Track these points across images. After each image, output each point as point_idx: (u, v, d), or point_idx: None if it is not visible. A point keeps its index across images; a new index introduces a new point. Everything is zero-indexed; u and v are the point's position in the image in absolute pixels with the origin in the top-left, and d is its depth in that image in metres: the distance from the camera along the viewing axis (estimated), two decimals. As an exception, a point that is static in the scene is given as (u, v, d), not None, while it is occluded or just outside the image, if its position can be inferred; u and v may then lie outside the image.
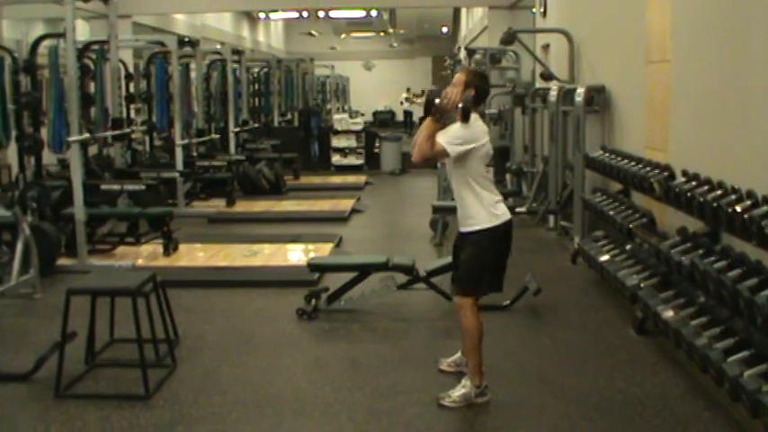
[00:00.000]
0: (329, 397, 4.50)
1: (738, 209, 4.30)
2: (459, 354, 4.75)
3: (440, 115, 4.20)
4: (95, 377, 4.77)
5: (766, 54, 4.50)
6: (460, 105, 4.18)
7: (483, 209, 4.29)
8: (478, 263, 4.33)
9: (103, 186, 8.53)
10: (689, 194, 4.99)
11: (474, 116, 4.26)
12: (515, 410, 4.34)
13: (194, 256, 8.30)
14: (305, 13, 23.36)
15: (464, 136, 4.21)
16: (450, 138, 4.20)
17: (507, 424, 4.21)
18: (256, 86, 18.08)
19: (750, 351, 3.89)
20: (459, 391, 4.34)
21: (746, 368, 3.75)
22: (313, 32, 31.47)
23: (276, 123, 17.49)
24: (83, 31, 12.92)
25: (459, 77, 4.33)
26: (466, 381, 4.36)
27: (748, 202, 4.30)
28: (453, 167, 4.33)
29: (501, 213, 4.34)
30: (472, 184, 4.29)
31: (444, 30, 31.24)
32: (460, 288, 4.41)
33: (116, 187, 8.60)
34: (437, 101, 4.19)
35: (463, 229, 4.40)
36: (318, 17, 24.42)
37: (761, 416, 3.55)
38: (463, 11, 25.17)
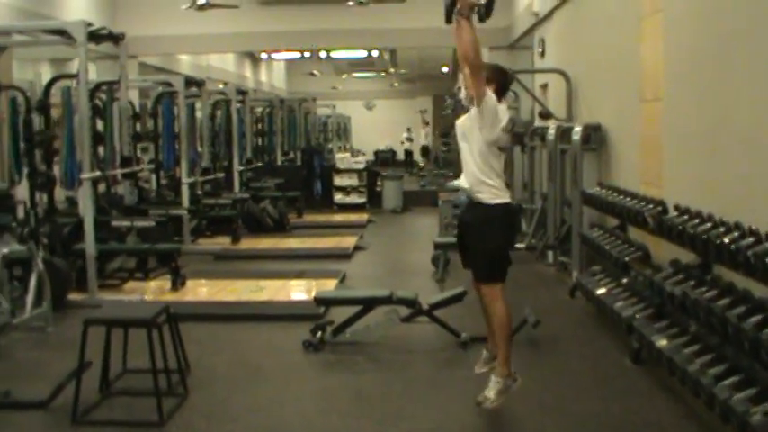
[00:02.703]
0: (337, 424, 4.65)
1: (726, 240, 4.49)
2: (485, 352, 4.90)
3: (467, 10, 4.19)
4: (110, 405, 4.91)
5: (751, 93, 4.73)
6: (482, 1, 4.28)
7: (499, 178, 4.46)
8: (495, 243, 4.49)
9: (115, 223, 8.69)
10: (681, 228, 5.18)
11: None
12: (516, 436, 4.49)
13: (201, 291, 8.45)
14: (306, 54, 23.69)
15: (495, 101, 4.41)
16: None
17: (508, 448, 4.36)
18: (259, 126, 18.32)
19: (740, 376, 4.05)
20: (494, 389, 4.49)
21: (735, 392, 3.91)
22: (314, 72, 31.80)
23: (279, 162, 17.74)
24: (90, 72, 13.15)
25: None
26: (496, 377, 4.51)
27: (736, 234, 4.49)
28: (474, 131, 4.44)
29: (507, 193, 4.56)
30: (490, 158, 4.44)
31: (445, 69, 31.54)
32: (485, 278, 4.49)
33: (127, 224, 8.76)
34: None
35: (478, 200, 4.50)
36: (320, 58, 24.73)
37: (749, 437, 3.71)
38: (463, 51, 25.45)
